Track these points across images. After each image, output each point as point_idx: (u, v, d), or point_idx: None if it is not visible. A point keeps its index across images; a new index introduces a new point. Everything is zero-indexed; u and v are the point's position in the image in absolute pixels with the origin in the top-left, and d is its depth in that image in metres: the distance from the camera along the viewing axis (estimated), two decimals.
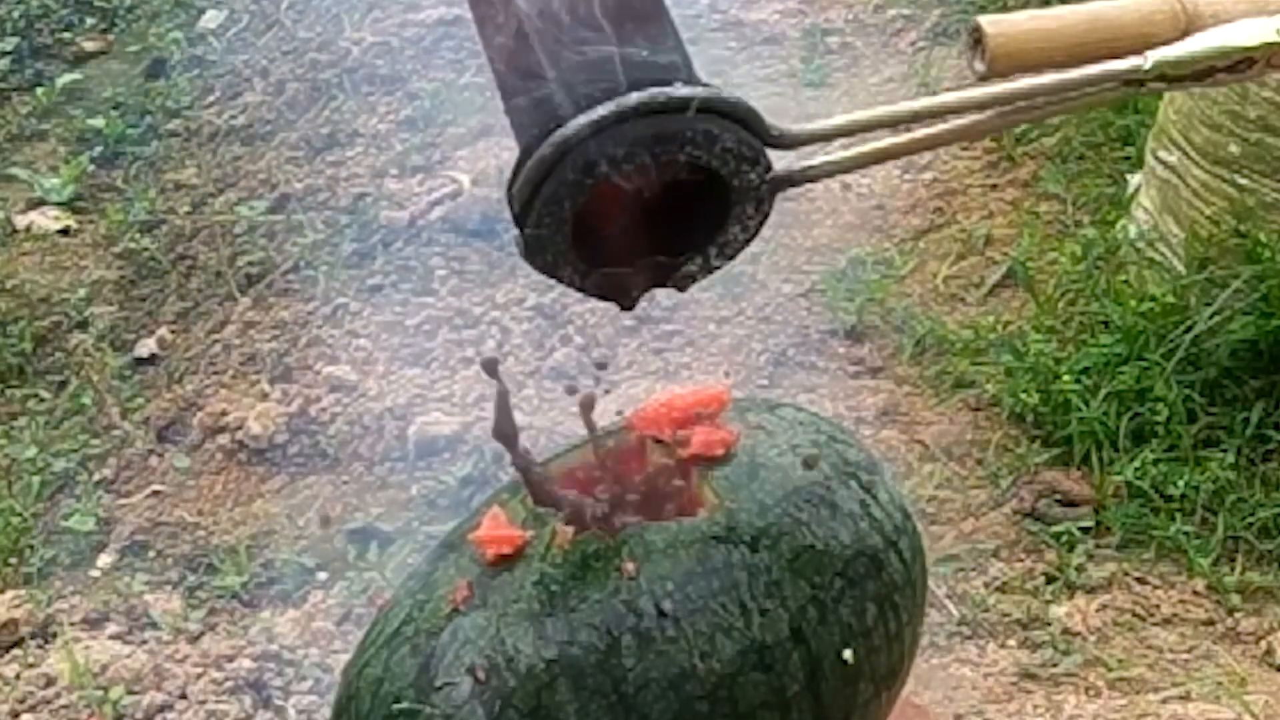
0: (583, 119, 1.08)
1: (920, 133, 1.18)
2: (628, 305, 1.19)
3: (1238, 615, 2.43)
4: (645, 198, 1.13)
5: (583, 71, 1.09)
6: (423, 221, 3.19)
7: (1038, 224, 3.08)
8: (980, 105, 1.17)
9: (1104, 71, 1.17)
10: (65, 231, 3.38)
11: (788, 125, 1.14)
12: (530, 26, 1.11)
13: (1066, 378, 2.67)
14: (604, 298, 1.18)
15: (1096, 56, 1.17)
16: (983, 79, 1.17)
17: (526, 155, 1.10)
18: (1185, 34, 1.19)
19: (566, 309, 2.96)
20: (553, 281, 1.13)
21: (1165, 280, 2.77)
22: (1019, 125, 2.57)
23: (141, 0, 3.96)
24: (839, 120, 1.16)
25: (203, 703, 2.35)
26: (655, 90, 1.09)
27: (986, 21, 1.16)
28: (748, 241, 1.16)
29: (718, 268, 1.17)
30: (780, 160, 1.14)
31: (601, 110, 1.08)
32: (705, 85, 1.10)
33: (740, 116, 1.11)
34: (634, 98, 1.08)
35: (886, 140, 1.18)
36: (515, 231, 1.12)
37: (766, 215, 1.15)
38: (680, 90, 1.09)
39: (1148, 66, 1.17)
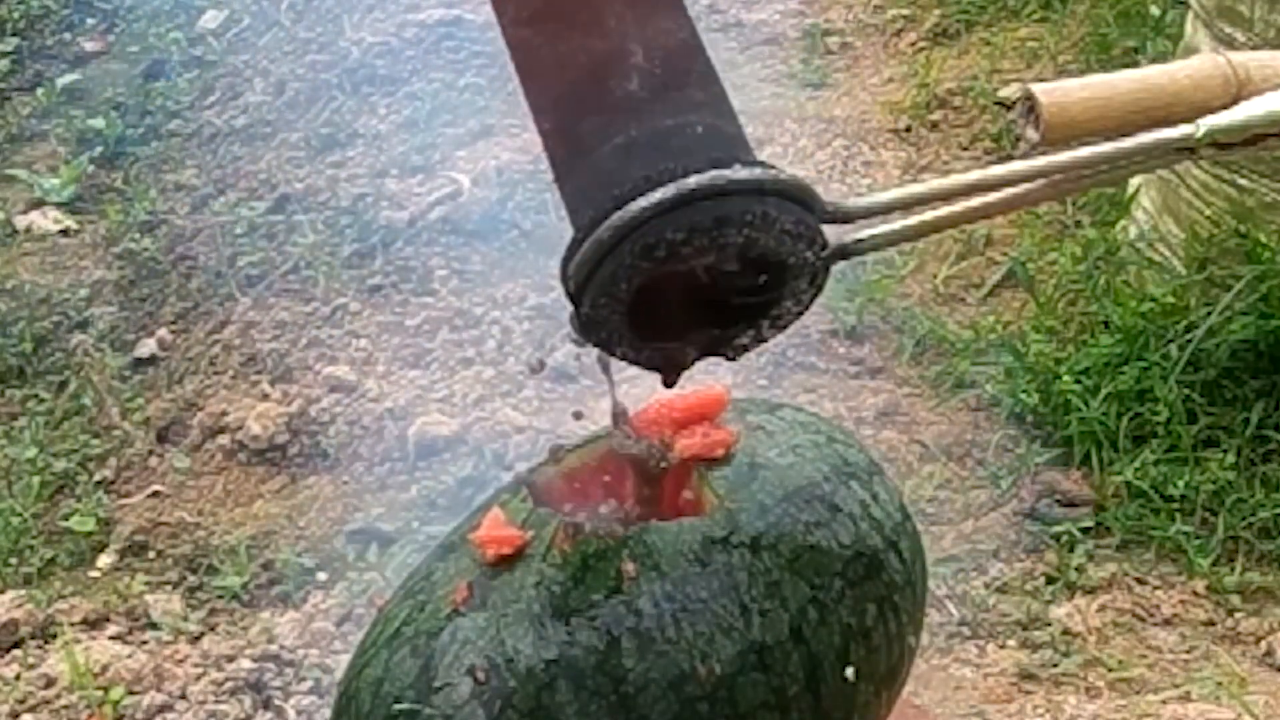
0: (642, 202, 1.07)
1: (974, 202, 1.18)
2: (674, 378, 1.19)
3: (1238, 616, 2.43)
4: (696, 273, 1.13)
5: (639, 150, 1.08)
6: (423, 221, 3.19)
7: (1038, 224, 3.08)
8: (1034, 176, 1.17)
9: (1157, 140, 1.17)
10: (65, 232, 3.38)
11: (842, 201, 1.14)
12: (583, 102, 1.10)
13: (1066, 378, 2.67)
14: (654, 370, 1.18)
15: (1149, 123, 1.18)
16: (1035, 147, 1.17)
17: (583, 236, 1.10)
18: (1236, 99, 1.19)
19: (567, 309, 2.96)
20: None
21: (1165, 281, 2.77)
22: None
23: (141, 0, 3.96)
24: (893, 194, 1.16)
25: (203, 703, 2.35)
26: (715, 174, 1.07)
27: (1040, 91, 1.16)
28: (800, 314, 1.16)
29: (769, 339, 1.17)
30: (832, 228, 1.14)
31: (660, 194, 1.06)
32: (761, 164, 1.09)
33: (797, 196, 1.11)
34: (693, 181, 1.07)
35: (940, 211, 1.18)
36: (570, 310, 1.12)
37: (820, 289, 1.14)
38: (740, 173, 1.08)
39: (1200, 134, 1.17)
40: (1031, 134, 1.17)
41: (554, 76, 1.12)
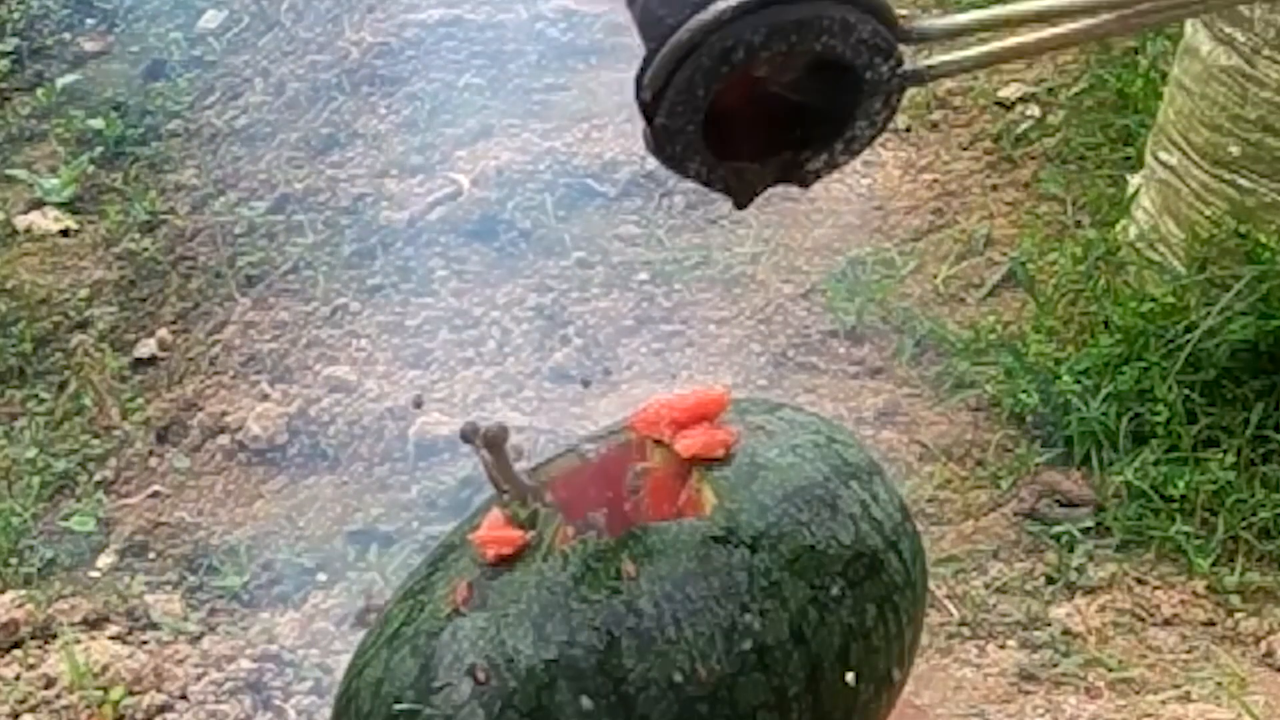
0: (722, 4, 1.07)
1: (1045, 33, 1.17)
2: (745, 203, 1.18)
3: (1238, 616, 2.43)
4: (770, 94, 1.12)
5: None
6: (423, 222, 3.19)
7: (1038, 225, 3.08)
8: (1106, 5, 1.17)
9: None
10: (65, 232, 3.38)
11: (918, 21, 1.14)
12: None
13: (1066, 378, 2.67)
14: (727, 192, 1.16)
15: None
16: None
17: (659, 43, 1.09)
18: None
19: (566, 309, 2.96)
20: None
21: (1165, 281, 2.77)
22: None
23: (141, 0, 3.96)
24: (969, 17, 1.16)
25: (203, 703, 2.35)
26: None
27: None
28: (873, 138, 1.15)
29: (843, 164, 1.16)
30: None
31: None
32: None
33: (876, 9, 1.11)
34: None
35: (1010, 40, 1.18)
36: (644, 126, 1.11)
37: (894, 112, 1.14)
38: None
39: None
40: None
41: None
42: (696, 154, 1.12)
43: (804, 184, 1.17)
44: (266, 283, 3.15)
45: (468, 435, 1.39)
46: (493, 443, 1.37)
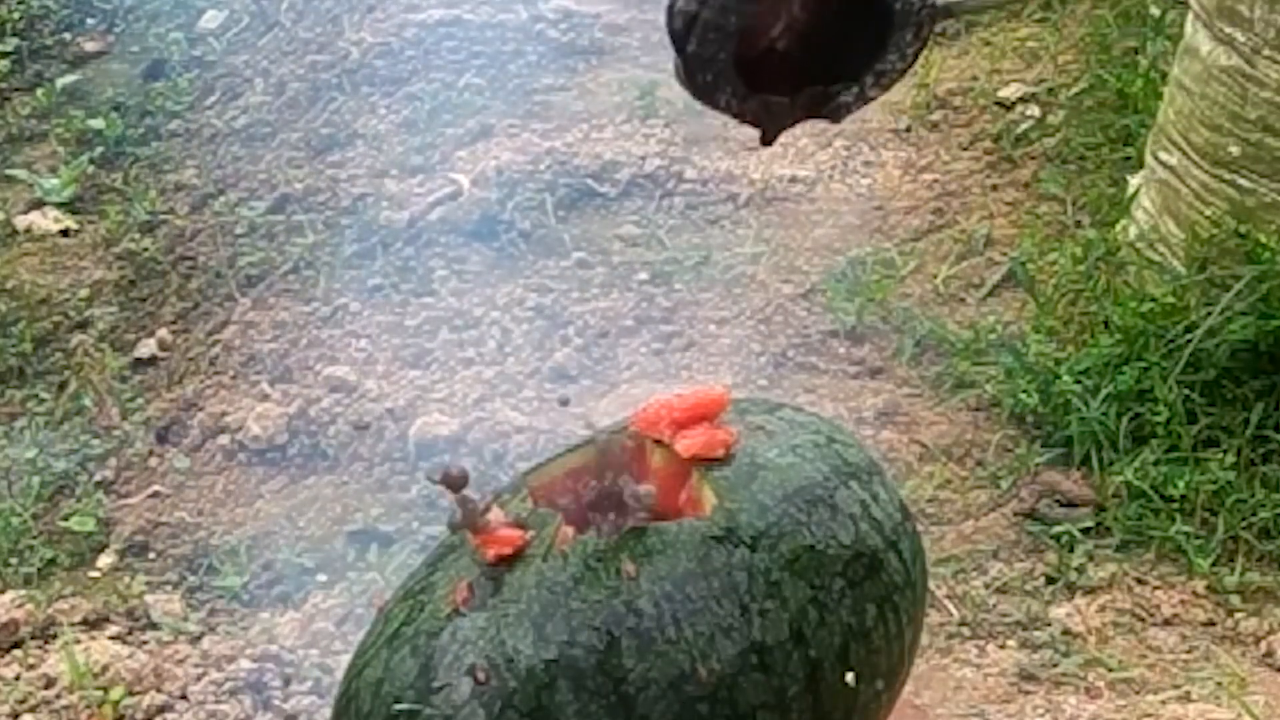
0: None
1: None
2: (773, 137, 1.17)
3: (1238, 616, 2.43)
4: (800, 31, 1.12)
5: None
6: (423, 222, 3.19)
7: (1038, 225, 3.08)
8: None
9: None
10: (65, 232, 3.38)
11: None
12: None
13: (1066, 378, 2.67)
14: (756, 124, 1.16)
15: None
16: None
17: None
18: None
19: (566, 310, 2.96)
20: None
21: (1165, 281, 2.77)
22: None
23: (141, 0, 3.96)
24: None
25: (203, 703, 2.35)
26: None
27: None
28: (904, 71, 1.15)
29: (873, 98, 1.16)
30: None
31: None
32: None
33: None
34: None
35: None
36: (675, 57, 1.11)
37: (924, 44, 1.14)
38: None
39: None
40: None
41: None
42: (727, 83, 1.12)
43: (835, 118, 1.17)
44: (266, 283, 3.15)
45: (432, 479, 1.41)
46: (453, 485, 1.39)
